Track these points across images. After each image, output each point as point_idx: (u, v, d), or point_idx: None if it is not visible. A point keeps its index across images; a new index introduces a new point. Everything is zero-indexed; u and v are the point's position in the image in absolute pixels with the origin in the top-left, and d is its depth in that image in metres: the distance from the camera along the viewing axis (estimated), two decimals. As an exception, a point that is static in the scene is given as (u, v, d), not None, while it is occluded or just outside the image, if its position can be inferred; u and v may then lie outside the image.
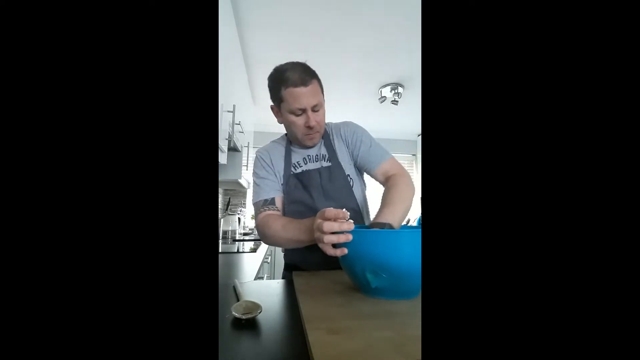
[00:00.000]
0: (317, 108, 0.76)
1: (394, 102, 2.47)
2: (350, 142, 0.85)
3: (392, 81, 2.35)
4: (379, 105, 2.64)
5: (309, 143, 0.82)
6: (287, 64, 0.76)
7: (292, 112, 0.76)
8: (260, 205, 0.81)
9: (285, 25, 1.66)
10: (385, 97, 2.46)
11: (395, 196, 0.71)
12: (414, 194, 0.75)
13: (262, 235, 0.79)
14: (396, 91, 2.41)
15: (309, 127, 0.76)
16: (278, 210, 0.81)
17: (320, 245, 0.56)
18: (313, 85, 0.74)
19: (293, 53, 1.89)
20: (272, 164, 0.85)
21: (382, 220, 0.63)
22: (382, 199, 0.72)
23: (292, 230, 0.70)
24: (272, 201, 0.81)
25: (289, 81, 0.73)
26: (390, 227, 0.62)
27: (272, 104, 0.81)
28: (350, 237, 0.52)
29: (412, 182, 0.78)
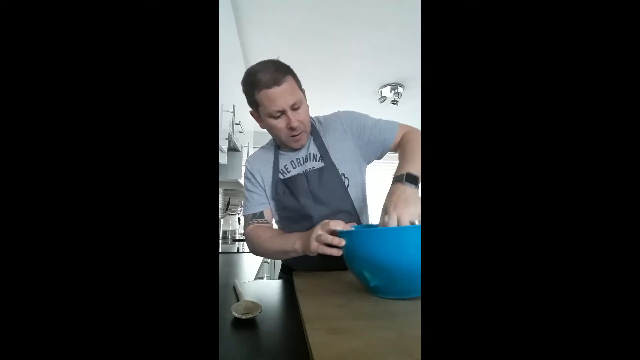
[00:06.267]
0: (296, 106, 0.70)
1: (394, 102, 2.47)
2: (353, 129, 0.81)
3: (392, 81, 2.35)
4: (379, 105, 2.64)
5: (295, 145, 0.77)
6: (258, 64, 0.70)
7: (271, 116, 0.71)
8: (249, 219, 0.80)
9: (285, 26, 1.66)
10: (385, 97, 2.46)
11: (414, 147, 0.69)
12: None
13: (250, 245, 0.79)
14: (396, 91, 2.41)
15: (292, 129, 0.71)
16: (267, 222, 0.81)
17: (315, 248, 0.59)
18: (288, 82, 0.68)
19: (293, 53, 1.89)
20: (261, 175, 0.82)
21: (402, 171, 0.62)
22: (399, 156, 0.71)
23: (280, 242, 0.70)
24: (260, 214, 0.80)
25: (260, 83, 0.67)
26: (412, 177, 0.60)
27: (250, 109, 0.76)
28: (342, 241, 0.55)
29: None
